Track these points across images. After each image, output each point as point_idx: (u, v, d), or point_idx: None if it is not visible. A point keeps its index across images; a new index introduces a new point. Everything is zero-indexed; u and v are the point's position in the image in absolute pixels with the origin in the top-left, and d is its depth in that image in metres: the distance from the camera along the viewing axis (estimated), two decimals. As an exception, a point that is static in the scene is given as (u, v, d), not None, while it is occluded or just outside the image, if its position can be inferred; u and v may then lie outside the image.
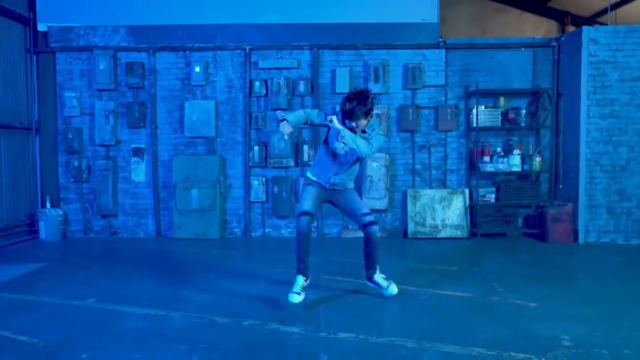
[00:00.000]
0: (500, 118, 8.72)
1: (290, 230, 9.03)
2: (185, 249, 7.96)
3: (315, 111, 5.17)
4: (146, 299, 5.37)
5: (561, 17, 12.95)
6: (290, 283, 5.44)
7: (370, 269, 5.39)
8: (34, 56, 8.98)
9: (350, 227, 9.00)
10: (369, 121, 4.90)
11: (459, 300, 5.26)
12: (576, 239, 8.17)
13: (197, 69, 8.87)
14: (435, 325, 4.53)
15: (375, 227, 5.25)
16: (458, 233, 8.67)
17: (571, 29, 11.95)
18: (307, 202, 5.14)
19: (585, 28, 8.04)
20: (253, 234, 9.09)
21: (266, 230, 9.09)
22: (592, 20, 12.38)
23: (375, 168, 8.73)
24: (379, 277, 5.38)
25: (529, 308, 4.96)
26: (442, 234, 8.69)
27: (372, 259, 5.36)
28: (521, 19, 13.29)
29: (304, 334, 4.36)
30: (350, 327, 4.47)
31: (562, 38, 8.72)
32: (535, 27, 13.09)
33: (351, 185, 5.33)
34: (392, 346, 4.06)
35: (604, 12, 11.50)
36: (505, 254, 7.45)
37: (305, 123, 5.17)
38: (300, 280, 5.24)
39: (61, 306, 5.16)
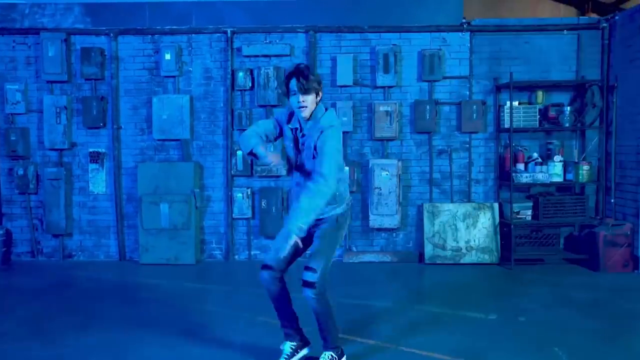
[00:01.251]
0: (538, 117, 7.12)
1: (282, 252, 7.45)
2: (150, 281, 6.39)
3: (270, 122, 3.87)
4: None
5: (581, 2, 11.40)
6: (278, 345, 3.98)
7: (322, 338, 3.81)
8: (-31, 40, 7.38)
9: (354, 249, 7.41)
10: (317, 101, 3.66)
11: (513, 382, 3.67)
12: (636, 267, 6.59)
13: (168, 57, 7.26)
14: None
15: (310, 293, 3.56)
16: (486, 258, 7.09)
17: (592, 16, 10.28)
18: (273, 249, 3.74)
19: (650, 3, 6.42)
20: (237, 257, 7.51)
21: (252, 253, 7.50)
22: (615, 6, 10.72)
23: (385, 178, 7.13)
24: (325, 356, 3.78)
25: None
26: (467, 259, 7.10)
27: (320, 326, 3.76)
28: (537, 6, 11.82)
29: None
30: None
31: (617, 17, 7.09)
32: (552, 15, 11.55)
33: (330, 211, 3.66)
34: None
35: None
36: (552, 292, 5.85)
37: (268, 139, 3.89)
38: (288, 347, 3.88)
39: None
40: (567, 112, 7.06)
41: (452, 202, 7.33)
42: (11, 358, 4.11)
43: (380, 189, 7.15)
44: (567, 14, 11.51)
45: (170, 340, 4.43)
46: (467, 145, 7.37)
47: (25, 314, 5.22)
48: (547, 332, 4.61)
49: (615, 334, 4.60)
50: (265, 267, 3.73)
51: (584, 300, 5.57)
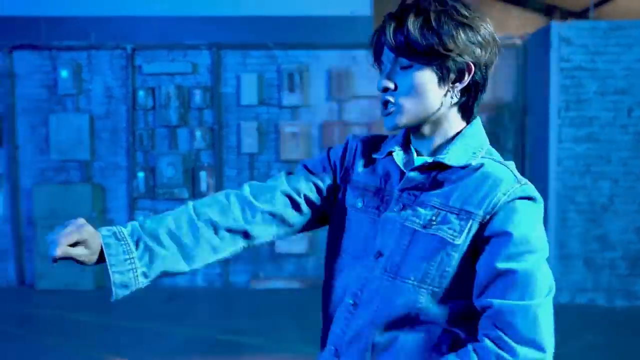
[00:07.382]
0: (451, 138, 6.84)
1: (197, 276, 7.18)
2: (38, 310, 6.11)
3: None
4: None
5: (549, 11, 11.14)
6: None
7: None
8: None
9: (262, 274, 7.14)
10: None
11: None
12: (543, 298, 6.32)
13: (64, 74, 6.96)
14: None
15: None
16: (394, 286, 6.81)
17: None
18: None
19: (554, 24, 6.12)
20: (140, 282, 7.22)
21: (156, 278, 7.22)
22: (582, 16, 10.47)
23: (289, 202, 6.85)
24: None
25: None
26: (376, 286, 6.82)
27: None
28: (507, 14, 11.51)
29: None
30: None
31: (529, 36, 6.83)
32: (521, 24, 11.24)
33: None
34: None
35: (596, 5, 9.57)
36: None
37: None
38: None
39: None
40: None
41: (362, 226, 7.06)
42: None
43: (285, 214, 6.86)
44: (536, 23, 11.15)
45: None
46: (379, 168, 7.08)
47: None
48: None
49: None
50: None
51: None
